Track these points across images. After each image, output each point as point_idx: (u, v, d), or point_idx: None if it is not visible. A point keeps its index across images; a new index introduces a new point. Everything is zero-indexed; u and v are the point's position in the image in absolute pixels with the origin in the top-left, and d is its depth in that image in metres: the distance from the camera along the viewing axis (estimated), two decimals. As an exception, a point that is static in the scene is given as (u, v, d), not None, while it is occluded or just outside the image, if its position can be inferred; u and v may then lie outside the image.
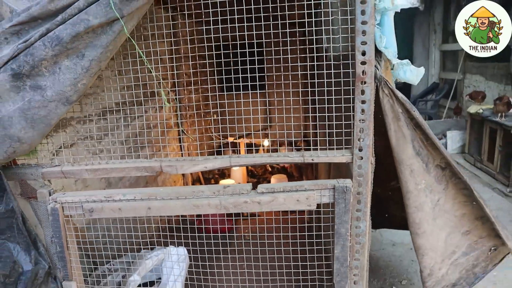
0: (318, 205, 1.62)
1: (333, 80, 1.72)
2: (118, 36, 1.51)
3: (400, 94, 1.63)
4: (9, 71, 1.53)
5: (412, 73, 1.61)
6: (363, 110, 1.58)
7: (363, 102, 1.57)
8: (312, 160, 1.63)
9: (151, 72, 1.96)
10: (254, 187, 1.68)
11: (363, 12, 1.50)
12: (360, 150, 1.61)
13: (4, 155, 1.65)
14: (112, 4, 1.40)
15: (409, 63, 1.61)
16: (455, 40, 8.85)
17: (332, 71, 1.69)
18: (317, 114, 1.69)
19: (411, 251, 4.38)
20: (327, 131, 1.83)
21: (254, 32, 1.71)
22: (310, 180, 1.66)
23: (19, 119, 1.59)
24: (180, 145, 5.00)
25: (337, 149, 1.65)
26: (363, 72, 1.54)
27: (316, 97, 1.69)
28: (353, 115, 1.59)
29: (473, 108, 6.48)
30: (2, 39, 1.55)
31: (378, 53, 1.57)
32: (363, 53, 1.53)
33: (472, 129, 6.69)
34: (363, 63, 1.54)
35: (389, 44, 1.55)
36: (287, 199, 1.60)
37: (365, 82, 1.55)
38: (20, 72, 1.53)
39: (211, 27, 1.74)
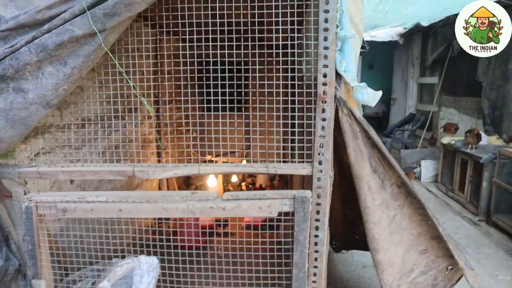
0: (280, 214, 1.74)
1: (305, 98, 1.86)
2: (100, 47, 1.64)
3: (358, 114, 1.77)
4: (-6, 73, 1.64)
5: (369, 96, 1.76)
6: (323, 127, 1.71)
7: (324, 119, 1.71)
8: (275, 171, 1.76)
9: (132, 87, 2.08)
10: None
11: (325, 39, 1.66)
12: (320, 163, 1.74)
13: (-18, 153, 1.73)
14: (91, 19, 1.53)
15: (366, 86, 1.76)
16: (432, 74, 9.29)
17: (304, 90, 1.83)
18: (285, 129, 1.82)
19: (380, 274, 4.47)
20: (289, 145, 1.95)
21: (234, 52, 1.84)
22: (273, 190, 1.77)
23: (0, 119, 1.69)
24: (158, 160, 5.07)
25: (298, 162, 1.78)
26: (324, 92, 1.69)
27: (289, 113, 1.82)
28: (314, 131, 1.72)
29: (446, 139, 6.72)
30: (-11, 43, 1.66)
31: (338, 76, 1.72)
32: (325, 75, 1.68)
33: (445, 159, 6.91)
34: (324, 84, 1.69)
35: (348, 68, 1.71)
36: (250, 206, 1.72)
37: (325, 102, 1.70)
38: (4, 74, 1.63)
39: (194, 44, 1.87)
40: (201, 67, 2.00)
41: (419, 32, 9.40)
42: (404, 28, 9.01)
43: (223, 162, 5.72)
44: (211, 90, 1.88)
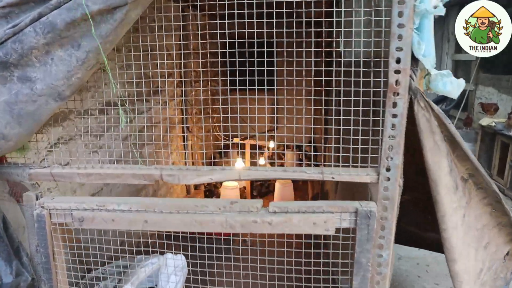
0: (338, 230, 1.43)
1: (352, 88, 1.52)
2: (120, 25, 1.33)
3: (435, 106, 1.43)
4: (-5, 59, 1.35)
5: (452, 85, 1.42)
6: (393, 125, 1.38)
7: (395, 116, 1.38)
8: (333, 178, 1.44)
9: (157, 67, 1.79)
10: (264, 203, 1.49)
11: (400, 14, 1.31)
12: (388, 170, 1.42)
13: (-16, 153, 1.47)
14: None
15: (450, 74, 1.42)
16: (470, 51, 8.69)
17: (352, 78, 1.49)
18: (341, 127, 1.50)
19: (417, 266, 4.22)
20: (340, 146, 1.63)
21: (265, 30, 1.53)
22: (328, 201, 1.47)
23: (3, 113, 1.40)
24: (184, 144, 4.82)
25: (361, 167, 1.46)
26: (396, 82, 1.35)
27: (341, 108, 1.49)
28: (382, 130, 1.40)
29: (485, 121, 6.30)
30: (-11, 22, 1.37)
31: (414, 61, 1.38)
32: (398, 61, 1.34)
33: (483, 142, 6.51)
34: (397, 71, 1.34)
35: (428, 52, 1.36)
36: (303, 221, 1.41)
37: (398, 94, 1.36)
38: (7, 60, 1.34)
39: (226, 21, 1.55)
40: (230, 48, 1.70)
41: (456, 5, 8.76)
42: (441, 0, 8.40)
43: (251, 145, 5.43)
44: (245, 68, 1.61)
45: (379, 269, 1.48)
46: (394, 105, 1.37)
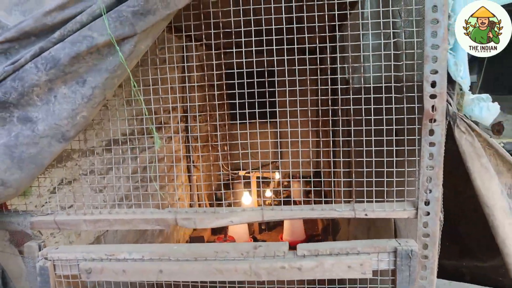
0: (375, 273, 1.28)
1: (372, 116, 1.40)
2: (129, 58, 1.22)
3: (477, 128, 1.31)
4: (-7, 99, 1.23)
5: (489, 111, 1.29)
6: (431, 155, 1.25)
7: (432, 144, 1.25)
8: (366, 215, 1.30)
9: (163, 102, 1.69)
10: (292, 247, 1.34)
11: (434, 34, 1.21)
12: (427, 204, 1.28)
13: (-17, 201, 1.34)
14: (107, 23, 1.11)
15: (489, 98, 1.30)
16: (471, 73, 8.68)
17: (372, 106, 1.38)
18: (365, 159, 1.37)
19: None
20: (385, 179, 1.48)
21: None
22: (363, 240, 1.32)
23: (3, 157, 1.27)
24: (189, 176, 4.68)
25: (396, 201, 1.32)
26: (433, 107, 1.23)
27: (364, 138, 1.37)
28: (418, 160, 1.27)
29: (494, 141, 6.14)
30: (-13, 59, 1.26)
31: (449, 84, 1.26)
32: (433, 84, 1.22)
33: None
34: (433, 96, 1.23)
35: (465, 73, 1.25)
36: (336, 265, 1.26)
37: (435, 120, 1.24)
38: (6, 100, 1.22)
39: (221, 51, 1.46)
40: (231, 79, 1.63)
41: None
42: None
43: (256, 176, 5.29)
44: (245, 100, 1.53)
45: (422, 315, 1.32)
46: (431, 132, 1.25)
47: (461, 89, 1.28)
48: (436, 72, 1.22)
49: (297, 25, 1.46)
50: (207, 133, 4.62)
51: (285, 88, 1.59)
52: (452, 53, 1.23)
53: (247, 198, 4.68)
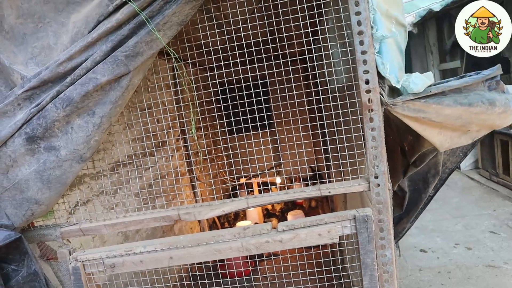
0: (341, 237, 1.59)
1: (340, 111, 1.74)
2: (126, 90, 1.55)
3: (405, 108, 1.61)
4: (23, 136, 1.57)
5: (421, 78, 1.60)
6: (374, 137, 1.58)
7: (373, 129, 1.57)
8: (329, 192, 1.62)
9: (160, 122, 2.01)
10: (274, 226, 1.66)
11: (361, 43, 1.54)
12: (376, 177, 1.60)
13: (23, 219, 1.66)
14: (114, 64, 1.45)
15: (410, 75, 1.62)
16: (452, 58, 8.98)
17: (338, 102, 1.71)
18: (328, 146, 1.69)
19: (439, 275, 4.26)
20: (340, 162, 1.82)
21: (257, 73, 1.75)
22: (329, 213, 1.64)
23: (35, 181, 1.62)
24: (194, 192, 4.99)
25: (352, 179, 1.64)
26: (369, 100, 1.55)
27: (326, 130, 1.69)
28: (364, 143, 1.59)
29: (481, 122, 6.42)
30: (15, 105, 1.60)
31: (381, 79, 1.59)
32: (367, 82, 1.55)
33: (483, 143, 6.62)
34: (368, 91, 1.55)
35: (392, 70, 1.57)
36: (309, 234, 1.58)
37: (372, 110, 1.56)
38: (34, 135, 1.56)
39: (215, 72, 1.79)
40: (224, 93, 1.92)
41: (432, 18, 9.14)
42: (417, 16, 8.78)
43: (258, 183, 5.60)
44: (239, 110, 1.82)
45: (385, 267, 1.63)
46: (371, 120, 1.57)
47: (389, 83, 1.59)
48: (367, 72, 1.55)
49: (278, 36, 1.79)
50: (208, 145, 4.94)
51: (277, 95, 1.87)
52: (379, 55, 1.56)
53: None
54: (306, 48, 1.78)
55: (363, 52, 1.54)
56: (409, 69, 11.17)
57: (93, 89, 1.51)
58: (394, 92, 1.65)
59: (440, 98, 1.61)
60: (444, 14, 8.41)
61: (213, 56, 1.75)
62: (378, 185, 1.60)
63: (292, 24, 1.70)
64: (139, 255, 1.69)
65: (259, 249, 1.60)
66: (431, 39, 9.77)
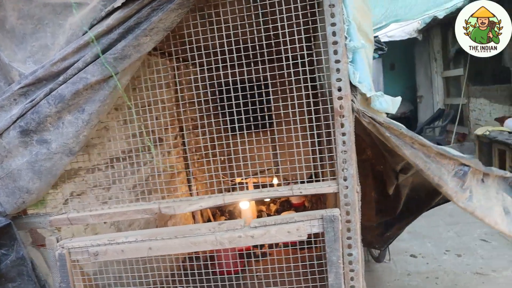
0: (310, 235, 1.70)
1: (322, 115, 1.83)
2: (114, 90, 1.67)
3: (380, 119, 1.70)
4: (18, 129, 1.70)
5: (387, 103, 1.71)
6: (344, 142, 1.67)
7: (343, 134, 1.67)
8: (301, 192, 1.72)
9: (158, 119, 2.10)
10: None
11: (335, 52, 1.64)
12: (345, 179, 1.69)
13: (14, 206, 1.79)
14: (106, 63, 1.56)
15: (382, 95, 1.71)
16: (456, 66, 9.03)
17: (321, 106, 1.81)
18: (309, 148, 1.80)
19: (427, 280, 4.32)
20: (318, 163, 1.92)
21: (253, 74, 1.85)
22: (300, 212, 1.74)
23: (27, 172, 1.74)
24: (190, 192, 5.10)
25: (323, 180, 1.74)
26: (340, 106, 1.65)
27: (315, 132, 1.80)
28: (335, 147, 1.69)
29: (480, 130, 6.46)
30: (12, 100, 1.72)
31: (354, 87, 1.69)
32: (339, 89, 1.65)
33: (481, 152, 6.65)
34: (340, 98, 1.65)
35: (362, 78, 1.67)
36: (279, 231, 1.68)
37: (343, 116, 1.66)
38: (27, 128, 1.69)
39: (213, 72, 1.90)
40: (221, 89, 2.01)
41: (437, 25, 9.20)
42: (422, 23, 8.83)
43: (253, 183, 5.70)
44: (236, 109, 1.91)
45: (351, 266, 1.73)
46: (342, 125, 1.67)
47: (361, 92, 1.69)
48: (340, 80, 1.64)
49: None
50: (205, 144, 5.05)
51: (278, 96, 1.95)
52: (352, 65, 1.66)
53: (244, 203, 5.08)
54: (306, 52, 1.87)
55: (337, 61, 1.63)
56: (412, 75, 11.22)
57: (83, 88, 1.62)
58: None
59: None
60: (449, 22, 8.46)
61: (212, 58, 1.86)
62: (347, 187, 1.70)
63: (292, 24, 1.78)
64: (120, 245, 1.80)
65: (231, 243, 1.70)
66: (435, 46, 9.82)
